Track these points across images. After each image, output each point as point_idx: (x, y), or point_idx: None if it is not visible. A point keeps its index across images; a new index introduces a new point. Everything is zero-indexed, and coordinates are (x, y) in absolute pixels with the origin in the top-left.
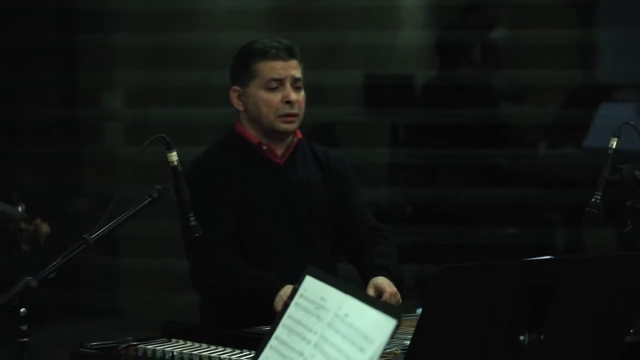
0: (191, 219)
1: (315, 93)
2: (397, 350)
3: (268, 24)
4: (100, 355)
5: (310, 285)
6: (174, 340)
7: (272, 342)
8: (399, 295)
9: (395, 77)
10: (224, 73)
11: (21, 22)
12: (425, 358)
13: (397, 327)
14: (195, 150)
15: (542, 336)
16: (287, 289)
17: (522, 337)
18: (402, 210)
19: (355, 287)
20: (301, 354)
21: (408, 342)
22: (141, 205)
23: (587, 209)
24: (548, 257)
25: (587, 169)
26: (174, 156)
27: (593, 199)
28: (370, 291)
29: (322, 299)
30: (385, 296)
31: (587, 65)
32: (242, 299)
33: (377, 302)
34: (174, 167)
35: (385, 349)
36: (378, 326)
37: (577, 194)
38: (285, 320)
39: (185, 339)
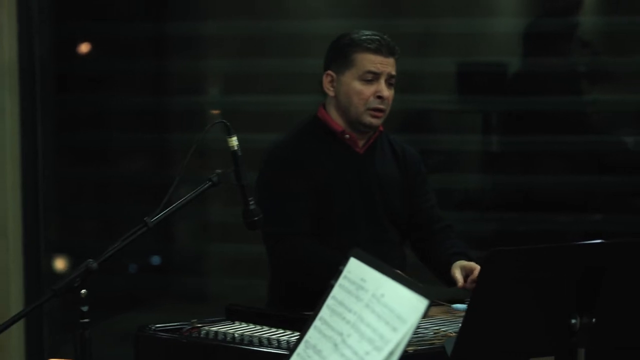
0: (250, 202)
1: (409, 80)
2: (452, 332)
3: (362, 11)
4: (164, 337)
5: (354, 267)
6: (237, 322)
7: (316, 322)
8: None
9: (487, 64)
10: (317, 61)
11: (116, 11)
12: (476, 340)
13: (429, 307)
14: None
15: (593, 319)
16: None
17: (573, 321)
18: (492, 197)
19: (394, 269)
20: (340, 333)
21: None
22: (201, 188)
23: None
24: (598, 240)
25: None
26: (234, 141)
27: None
28: (457, 272)
29: (362, 279)
30: (475, 274)
31: None
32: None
33: (411, 282)
34: (235, 152)
35: (441, 331)
36: (411, 306)
37: None
38: (329, 301)
39: (248, 322)
